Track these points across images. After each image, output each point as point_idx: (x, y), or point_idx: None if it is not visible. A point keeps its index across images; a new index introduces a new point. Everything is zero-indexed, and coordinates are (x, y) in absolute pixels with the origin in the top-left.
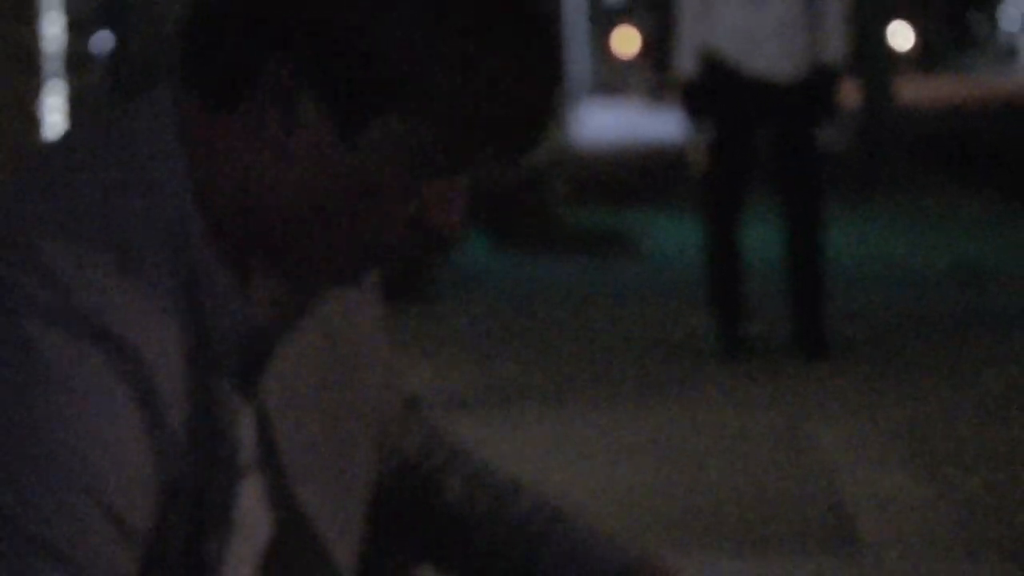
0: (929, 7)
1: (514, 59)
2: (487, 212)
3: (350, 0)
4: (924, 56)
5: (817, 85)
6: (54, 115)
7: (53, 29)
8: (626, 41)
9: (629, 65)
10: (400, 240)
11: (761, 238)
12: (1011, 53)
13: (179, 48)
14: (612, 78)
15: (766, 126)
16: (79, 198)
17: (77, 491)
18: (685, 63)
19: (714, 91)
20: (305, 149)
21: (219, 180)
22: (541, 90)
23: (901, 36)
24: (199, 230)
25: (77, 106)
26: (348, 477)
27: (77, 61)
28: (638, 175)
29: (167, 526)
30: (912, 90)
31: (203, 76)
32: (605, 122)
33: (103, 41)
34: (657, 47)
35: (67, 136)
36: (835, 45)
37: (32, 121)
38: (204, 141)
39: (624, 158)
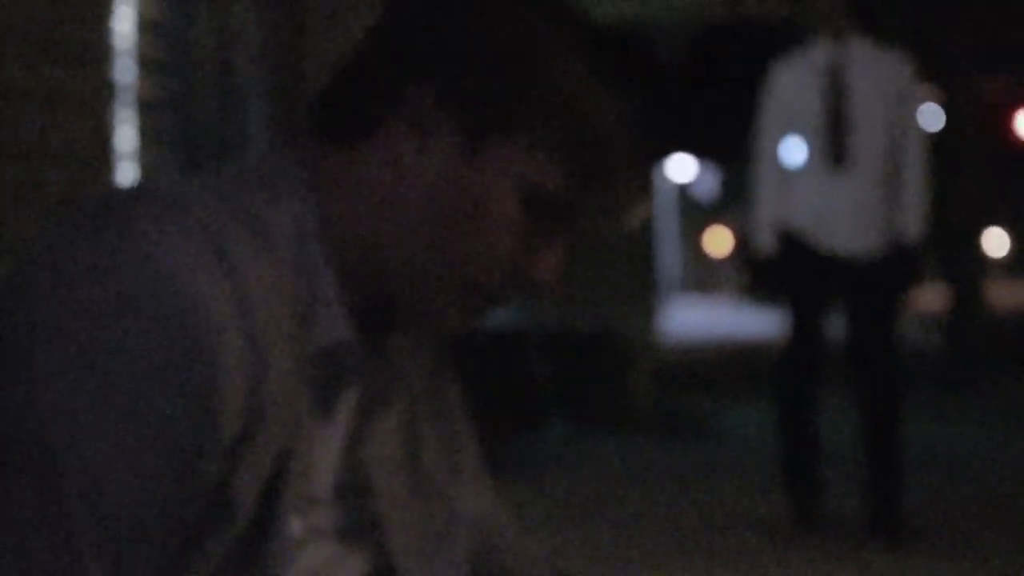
0: None
1: (630, 109)
2: (570, 396)
3: (491, 29)
4: (1018, 262)
5: (896, 263)
6: (123, 126)
7: (124, 27)
8: (718, 241)
9: (721, 264)
10: (502, 279)
11: (840, 423)
12: None
13: (319, 92)
14: (704, 277)
15: (843, 305)
16: (225, 197)
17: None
18: (762, 239)
19: (790, 268)
20: (434, 168)
21: (344, 214)
22: (645, 145)
23: (996, 242)
24: (321, 262)
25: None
26: (442, 552)
27: (149, 65)
28: (722, 369)
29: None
30: (1005, 296)
31: (342, 110)
32: (695, 320)
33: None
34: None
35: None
36: (914, 222)
37: (101, 127)
38: (331, 175)
39: (710, 354)
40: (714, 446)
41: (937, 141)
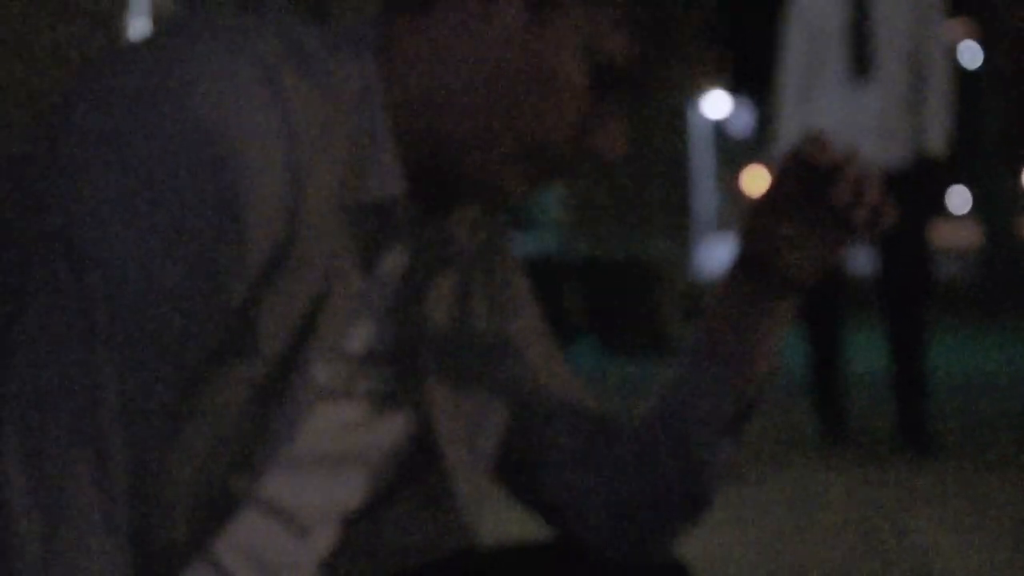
0: None
1: None
2: (603, 319)
3: None
4: None
5: (921, 173)
6: None
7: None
8: (757, 180)
9: None
10: (566, 148)
11: (869, 341)
12: None
13: None
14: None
15: None
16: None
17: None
18: (785, 149)
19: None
20: (500, 34)
21: (409, 78)
22: (710, 24)
23: None
24: (380, 118)
25: None
26: (483, 411)
27: None
28: None
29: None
30: None
31: None
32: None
33: None
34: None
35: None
36: (939, 133)
37: None
38: (399, 40)
39: None
40: None
41: (975, 77)
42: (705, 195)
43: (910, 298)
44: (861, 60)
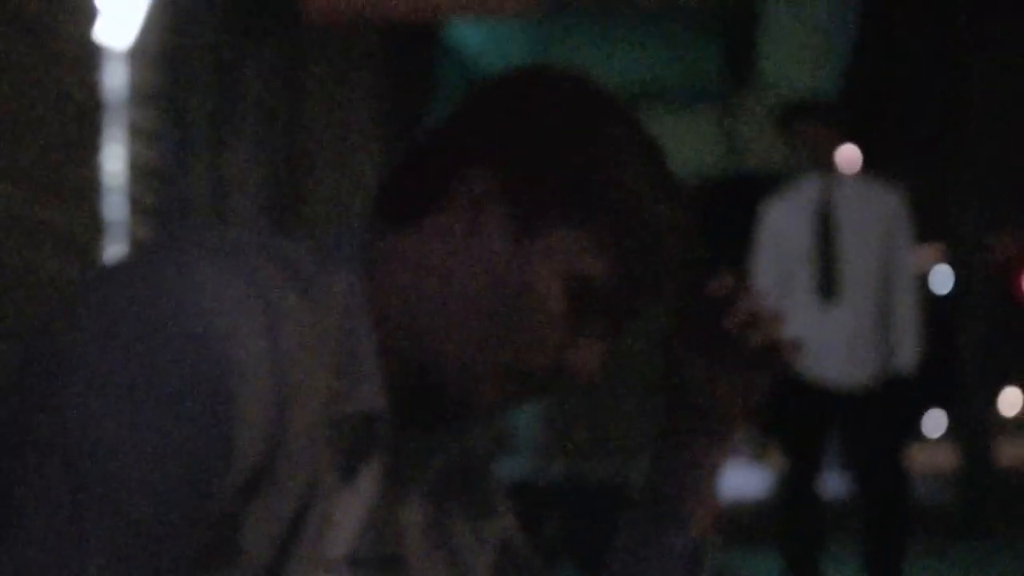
0: None
1: (682, 218)
2: (583, 545)
3: (556, 123)
4: None
5: (891, 394)
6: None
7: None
8: None
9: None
10: (542, 367)
11: (847, 566)
12: None
13: (381, 176)
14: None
15: (842, 440)
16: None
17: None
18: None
19: (785, 402)
20: (484, 252)
21: (394, 289)
22: (691, 256)
23: (1012, 402)
24: (365, 331)
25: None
26: None
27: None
28: (735, 525)
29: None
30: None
31: (398, 190)
32: None
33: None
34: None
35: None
36: (908, 352)
37: (91, 176)
38: (385, 252)
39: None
40: None
41: (948, 302)
42: None
43: (887, 522)
44: (829, 282)
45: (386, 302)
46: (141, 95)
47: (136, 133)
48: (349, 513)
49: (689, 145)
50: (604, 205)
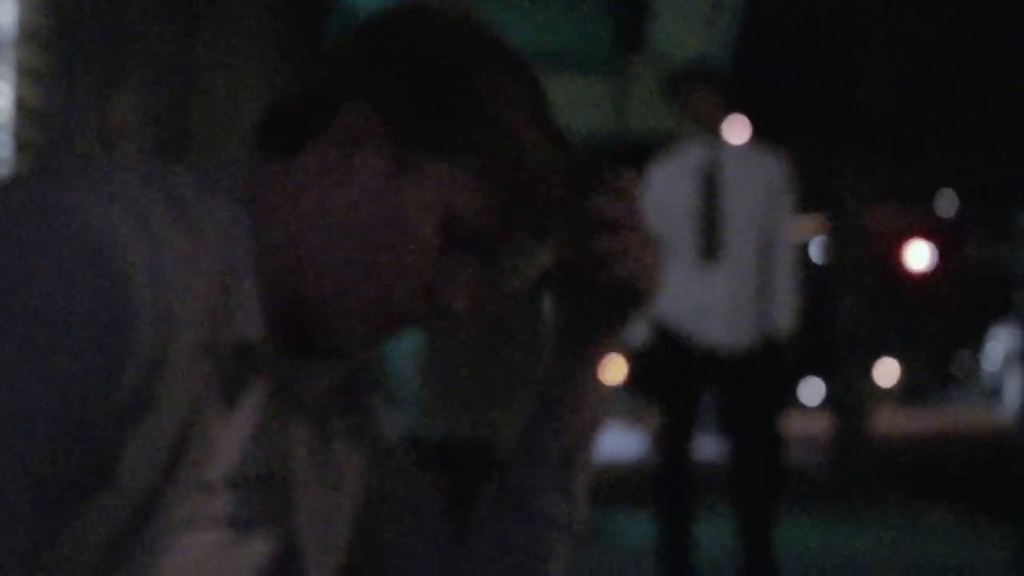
0: (916, 345)
1: (561, 157)
2: (458, 501)
3: (438, 59)
4: (908, 391)
5: (768, 358)
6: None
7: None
8: (612, 370)
9: (615, 392)
10: (414, 302)
11: (719, 527)
12: (994, 392)
13: (266, 108)
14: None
15: (719, 399)
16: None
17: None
18: (637, 333)
19: (665, 362)
20: (360, 184)
21: (274, 222)
22: (568, 194)
23: (888, 372)
24: (245, 261)
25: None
26: (336, 518)
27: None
28: (611, 486)
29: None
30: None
31: (279, 124)
32: None
33: None
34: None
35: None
36: (786, 317)
37: None
38: (266, 184)
39: (601, 475)
40: (599, 551)
41: (827, 272)
42: None
43: (760, 485)
44: (711, 244)
45: (266, 231)
46: (28, 34)
47: (23, 72)
48: (231, 437)
49: (579, 109)
50: (480, 142)
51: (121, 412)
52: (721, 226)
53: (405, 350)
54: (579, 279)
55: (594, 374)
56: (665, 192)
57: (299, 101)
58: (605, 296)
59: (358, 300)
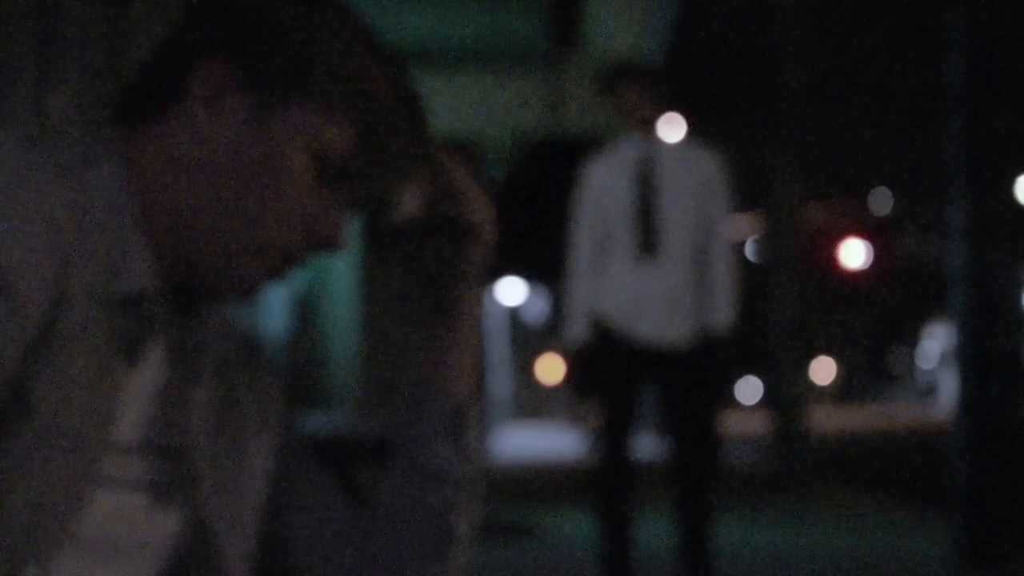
0: (852, 343)
1: (406, 87)
2: None
3: (279, 13)
4: (844, 389)
5: (705, 353)
6: None
7: None
8: (550, 369)
9: (553, 391)
10: (295, 238)
11: (657, 524)
12: (929, 388)
13: (122, 78)
14: (536, 403)
15: (657, 395)
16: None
17: None
18: (575, 330)
19: (603, 357)
20: (228, 135)
21: (152, 183)
22: (422, 120)
23: (824, 370)
24: (130, 219)
25: None
26: (246, 496)
27: None
28: (550, 485)
29: None
30: (831, 422)
31: (143, 89)
32: (526, 445)
33: None
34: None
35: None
36: (723, 313)
37: None
38: (139, 149)
39: (539, 474)
40: (540, 553)
41: (763, 271)
42: (500, 381)
43: (697, 483)
44: (647, 241)
45: (147, 190)
46: None
47: None
48: (137, 397)
49: (513, 105)
50: (328, 81)
51: (27, 345)
52: (657, 223)
53: (343, 350)
54: (428, 223)
55: (469, 325)
56: (601, 189)
57: (157, 66)
58: (451, 236)
59: (243, 244)
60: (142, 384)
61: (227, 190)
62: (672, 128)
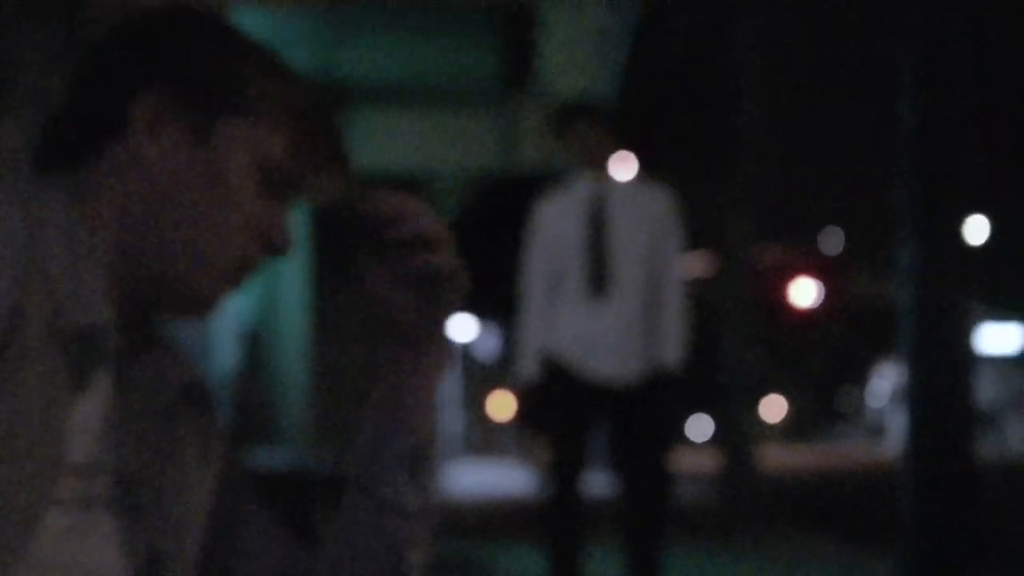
0: (802, 381)
1: (305, 89)
2: None
3: (193, 41)
4: (794, 428)
5: (656, 390)
6: None
7: None
8: (501, 405)
9: (504, 428)
10: (251, 245)
11: (606, 563)
12: (879, 428)
13: (44, 127)
14: (486, 440)
15: (607, 434)
16: None
17: None
18: (527, 367)
19: (554, 395)
20: (174, 159)
21: (107, 219)
22: (328, 121)
23: (774, 408)
24: (84, 253)
25: None
26: (188, 517)
27: None
28: (500, 523)
29: None
30: (780, 460)
31: (71, 138)
32: (475, 482)
33: None
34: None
35: None
36: (674, 350)
37: None
38: (89, 192)
39: (489, 512)
40: None
41: (713, 309)
42: (451, 417)
43: (647, 521)
44: (598, 279)
45: (99, 226)
46: None
47: None
48: (86, 421)
49: (465, 143)
50: (258, 96)
51: None
52: (609, 261)
53: (292, 384)
54: (395, 268)
55: (436, 364)
56: (552, 227)
57: (86, 106)
58: (421, 283)
59: (201, 258)
60: (93, 409)
61: (179, 210)
62: (624, 166)
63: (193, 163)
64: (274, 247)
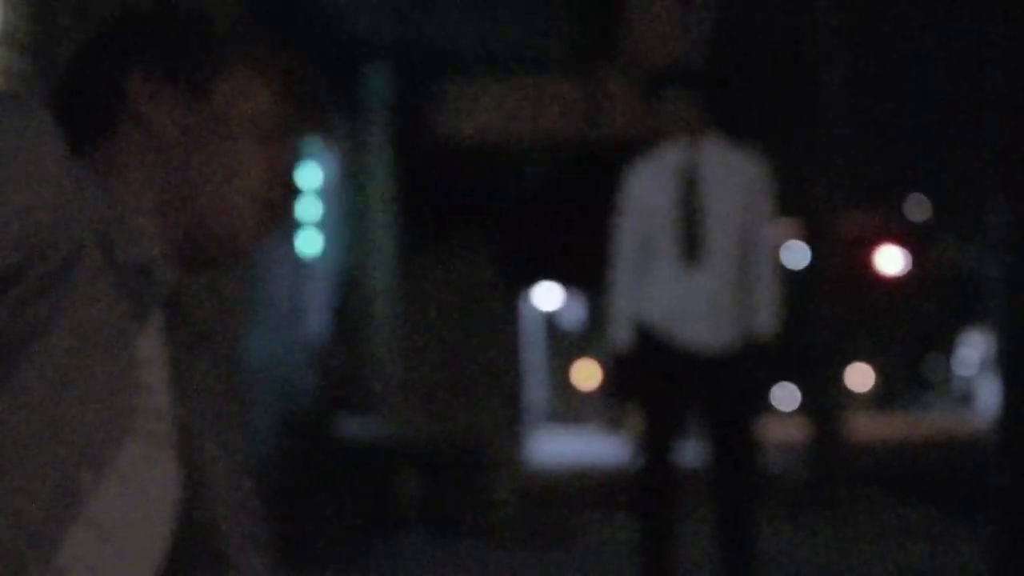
0: (889, 350)
1: (282, 46)
2: (434, 505)
3: (181, 20)
4: (882, 397)
5: (749, 359)
6: None
7: None
8: (587, 374)
9: (589, 396)
10: (272, 187)
11: (700, 532)
12: (967, 397)
13: (56, 101)
14: (572, 409)
15: (700, 402)
16: None
17: None
18: (619, 336)
19: (646, 363)
20: (182, 122)
21: (137, 187)
22: (315, 79)
23: (861, 377)
24: (130, 201)
25: None
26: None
27: None
28: (587, 491)
29: None
30: (867, 430)
31: (82, 117)
32: (561, 450)
33: None
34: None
35: None
36: (767, 318)
37: None
38: (110, 165)
39: (576, 480)
40: (578, 557)
41: (802, 278)
42: (537, 386)
43: (738, 490)
44: (691, 246)
45: (133, 195)
46: (10, 38)
47: (3, 75)
48: (149, 356)
49: (552, 111)
50: (245, 55)
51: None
52: (701, 228)
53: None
54: None
55: None
56: (644, 195)
57: (86, 93)
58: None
59: (245, 211)
60: (151, 345)
61: (197, 165)
62: (714, 133)
63: (199, 119)
64: (289, 188)
